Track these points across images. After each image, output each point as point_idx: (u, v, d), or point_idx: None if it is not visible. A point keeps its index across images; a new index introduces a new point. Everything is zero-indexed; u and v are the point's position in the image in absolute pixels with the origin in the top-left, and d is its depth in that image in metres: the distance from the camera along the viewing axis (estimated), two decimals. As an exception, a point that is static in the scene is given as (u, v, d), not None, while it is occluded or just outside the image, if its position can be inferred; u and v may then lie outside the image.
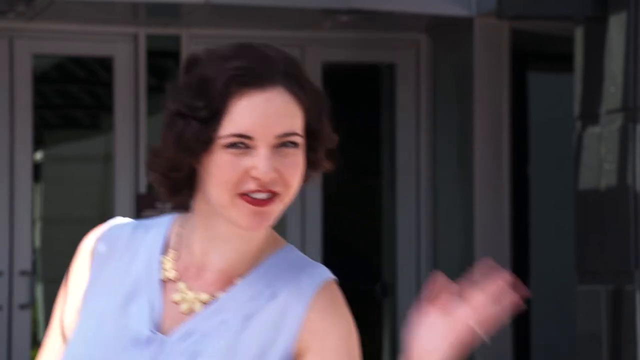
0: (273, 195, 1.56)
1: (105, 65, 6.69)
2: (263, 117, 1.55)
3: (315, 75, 6.74)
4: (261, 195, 1.56)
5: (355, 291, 7.37)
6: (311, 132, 1.60)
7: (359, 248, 7.70)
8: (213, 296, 1.60)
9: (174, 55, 6.65)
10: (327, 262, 7.60)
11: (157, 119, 6.88)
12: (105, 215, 6.63)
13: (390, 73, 6.91)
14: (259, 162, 1.54)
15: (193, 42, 6.55)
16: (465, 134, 6.47)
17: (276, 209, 1.58)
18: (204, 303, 1.60)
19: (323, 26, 6.48)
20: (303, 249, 6.77)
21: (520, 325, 6.65)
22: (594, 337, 5.62)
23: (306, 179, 1.62)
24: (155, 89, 6.80)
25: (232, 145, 1.54)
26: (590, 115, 5.67)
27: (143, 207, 6.61)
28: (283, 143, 1.56)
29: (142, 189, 6.58)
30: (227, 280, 1.61)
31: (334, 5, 6.04)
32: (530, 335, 6.89)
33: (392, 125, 6.86)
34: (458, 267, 6.54)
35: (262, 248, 1.63)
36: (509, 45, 6.46)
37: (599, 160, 5.59)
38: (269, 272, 1.62)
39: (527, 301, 6.42)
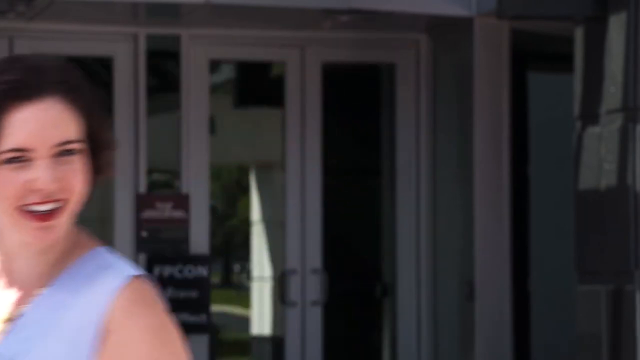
0: (58, 206, 1.56)
1: (105, 65, 6.69)
2: (39, 128, 1.54)
3: (315, 75, 6.74)
4: (45, 208, 1.56)
5: (355, 291, 7.40)
6: (92, 138, 1.59)
7: (359, 248, 7.69)
8: (19, 314, 1.59)
9: (174, 55, 6.65)
10: (328, 262, 7.56)
11: (157, 119, 6.88)
12: (104, 215, 6.64)
13: (390, 73, 6.91)
14: (40, 173, 1.54)
15: (193, 42, 6.54)
16: (465, 134, 6.46)
17: (62, 220, 1.57)
18: (10, 321, 1.59)
19: (323, 26, 6.48)
20: (303, 249, 6.77)
21: (520, 325, 6.65)
22: (594, 337, 5.62)
23: (94, 183, 1.61)
24: (155, 89, 6.80)
25: (11, 161, 1.54)
26: (590, 115, 5.66)
27: (143, 207, 6.61)
28: (61, 152, 1.55)
29: (142, 188, 6.58)
30: (34, 294, 1.59)
31: (334, 5, 6.04)
32: (530, 335, 6.89)
33: (392, 125, 6.86)
34: (458, 267, 6.54)
35: (68, 254, 1.61)
36: (508, 45, 6.46)
37: (599, 160, 5.58)
38: (74, 277, 1.59)
39: (527, 301, 6.33)
